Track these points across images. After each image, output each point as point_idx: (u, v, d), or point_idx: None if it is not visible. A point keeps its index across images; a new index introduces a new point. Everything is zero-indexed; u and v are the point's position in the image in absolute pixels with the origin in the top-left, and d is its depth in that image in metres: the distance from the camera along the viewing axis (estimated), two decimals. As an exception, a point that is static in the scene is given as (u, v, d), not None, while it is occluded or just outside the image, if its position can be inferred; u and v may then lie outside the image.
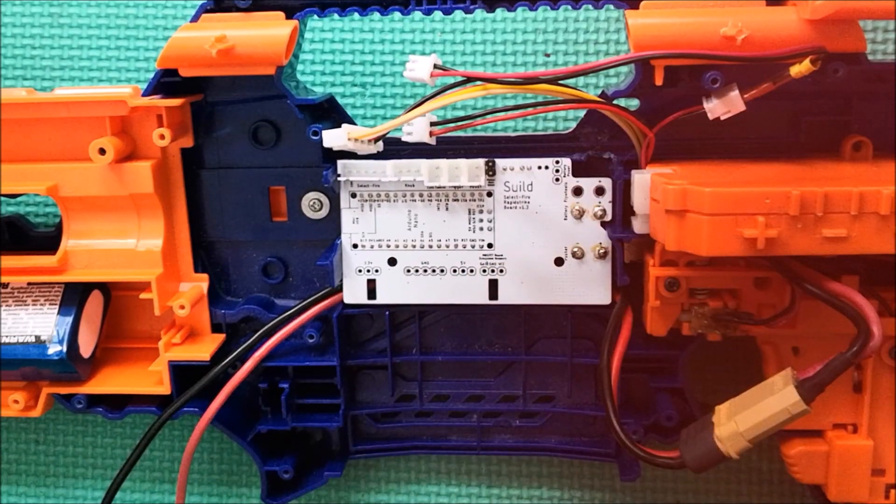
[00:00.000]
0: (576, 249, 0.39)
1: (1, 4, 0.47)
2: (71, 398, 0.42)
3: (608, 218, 0.39)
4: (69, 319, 0.41)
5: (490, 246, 0.40)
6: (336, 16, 0.38)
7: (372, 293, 0.41)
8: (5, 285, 0.42)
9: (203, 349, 0.41)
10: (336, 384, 0.42)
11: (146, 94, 0.39)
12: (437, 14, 0.43)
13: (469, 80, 0.35)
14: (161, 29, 0.46)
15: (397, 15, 0.39)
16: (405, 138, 0.36)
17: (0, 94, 0.39)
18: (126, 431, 0.49)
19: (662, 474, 0.46)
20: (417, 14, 0.41)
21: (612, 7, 0.36)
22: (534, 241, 0.39)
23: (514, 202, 0.39)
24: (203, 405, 0.40)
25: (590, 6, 0.36)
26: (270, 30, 0.37)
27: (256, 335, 0.40)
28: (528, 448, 0.44)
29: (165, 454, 0.49)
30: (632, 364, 0.39)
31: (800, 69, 0.33)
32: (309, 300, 0.41)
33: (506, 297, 0.40)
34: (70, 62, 0.47)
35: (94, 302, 0.42)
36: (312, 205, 0.41)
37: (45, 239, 0.44)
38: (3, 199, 0.46)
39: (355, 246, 0.40)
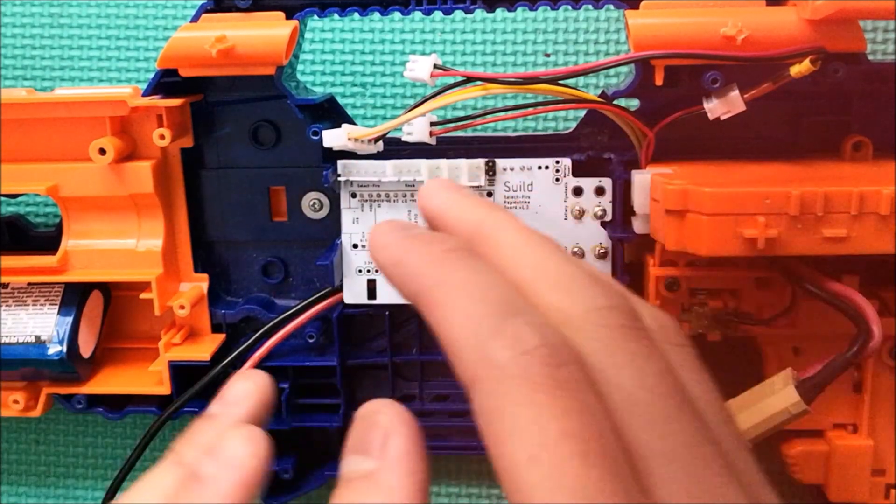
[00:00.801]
0: (576, 249, 0.39)
1: (1, 4, 0.47)
2: (71, 398, 0.42)
3: (608, 218, 0.39)
4: (69, 319, 0.41)
5: (490, 246, 0.40)
6: (336, 16, 0.38)
7: (372, 293, 0.41)
8: (5, 285, 0.42)
9: (203, 349, 0.41)
10: (336, 384, 0.42)
11: (146, 94, 0.39)
12: (437, 14, 0.43)
13: (469, 80, 0.35)
14: (161, 29, 0.46)
15: (397, 15, 0.39)
16: (405, 138, 0.36)
17: (0, 94, 0.39)
18: (126, 431, 0.49)
19: (662, 474, 0.46)
20: (417, 14, 0.41)
21: (612, 7, 0.36)
22: (534, 241, 0.39)
23: (514, 202, 0.39)
24: (203, 405, 0.40)
25: (590, 6, 0.36)
26: (270, 30, 0.37)
27: (256, 335, 0.40)
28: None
29: (165, 454, 0.49)
30: (632, 364, 0.39)
31: (800, 69, 0.33)
32: (309, 300, 0.41)
33: (506, 297, 0.40)
34: (70, 62, 0.47)
35: (94, 302, 0.42)
36: (312, 205, 0.41)
37: (45, 239, 0.44)
38: (3, 199, 0.46)
39: (355, 246, 0.40)
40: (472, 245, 0.23)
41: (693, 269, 0.37)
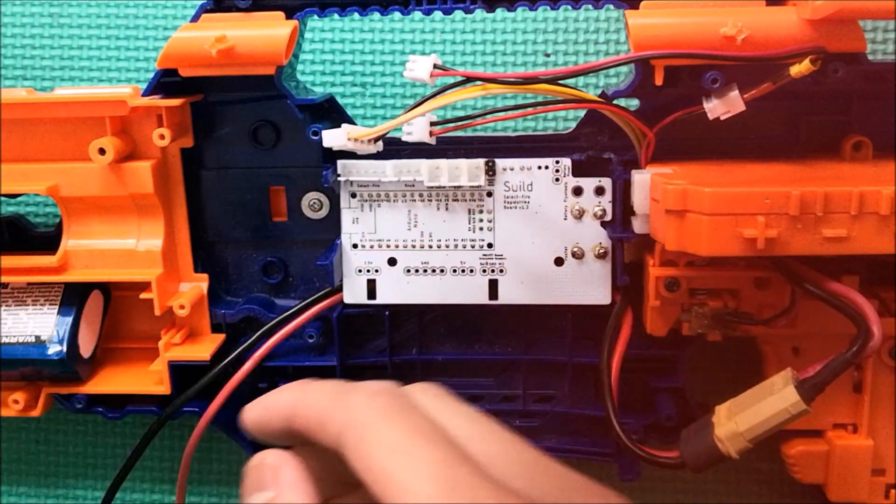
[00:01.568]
0: (576, 249, 0.39)
1: (1, 4, 0.47)
2: (71, 398, 0.42)
3: (608, 218, 0.39)
4: (69, 319, 0.41)
5: (490, 246, 0.40)
6: (336, 16, 0.38)
7: (372, 293, 0.41)
8: (5, 285, 0.42)
9: (203, 349, 0.41)
10: (336, 384, 0.42)
11: (146, 94, 0.39)
12: (437, 14, 0.43)
13: (469, 80, 0.35)
14: (161, 29, 0.46)
15: (397, 15, 0.39)
16: (405, 138, 0.36)
17: (0, 94, 0.39)
18: (126, 431, 0.49)
19: (662, 474, 0.46)
20: (417, 14, 0.41)
21: (612, 7, 0.36)
22: (534, 241, 0.39)
23: (514, 202, 0.39)
24: (203, 405, 0.40)
25: (590, 6, 0.36)
26: (270, 30, 0.37)
27: (256, 335, 0.40)
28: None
29: (165, 454, 0.49)
30: (632, 364, 0.39)
31: (800, 69, 0.33)
32: (309, 300, 0.41)
33: (506, 297, 0.40)
34: (70, 62, 0.47)
35: (94, 302, 0.42)
36: (312, 205, 0.41)
37: (45, 239, 0.44)
38: (3, 199, 0.46)
39: (355, 246, 0.40)
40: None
41: (693, 269, 0.37)
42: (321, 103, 0.41)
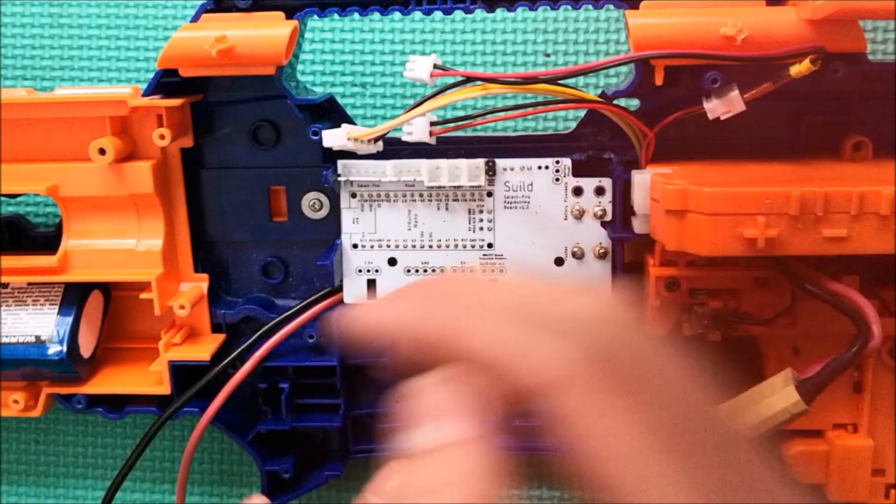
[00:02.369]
0: (576, 249, 0.39)
1: (1, 4, 0.47)
2: (71, 398, 0.42)
3: (608, 218, 0.39)
4: (69, 319, 0.41)
5: (490, 246, 0.40)
6: (336, 16, 0.38)
7: (372, 293, 0.41)
8: (5, 285, 0.42)
9: (203, 349, 0.41)
10: (336, 384, 0.42)
11: (146, 94, 0.39)
12: (437, 14, 0.43)
13: (469, 79, 0.35)
14: (161, 29, 0.46)
15: (397, 15, 0.39)
16: (405, 138, 0.36)
17: (0, 94, 0.39)
18: (126, 431, 0.49)
19: (662, 474, 0.46)
20: (417, 14, 0.41)
21: (612, 7, 0.36)
22: (534, 241, 0.39)
23: (515, 202, 0.39)
24: (203, 405, 0.40)
25: (590, 6, 0.36)
26: (270, 30, 0.37)
27: (256, 335, 0.40)
28: (528, 448, 0.44)
29: (165, 454, 0.49)
30: (632, 364, 0.39)
31: (800, 69, 0.33)
32: (309, 300, 0.41)
33: (506, 297, 0.40)
34: (70, 62, 0.47)
35: (94, 302, 0.42)
36: (312, 205, 0.41)
37: (45, 239, 0.44)
38: (3, 199, 0.46)
39: (355, 246, 0.40)
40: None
41: (693, 269, 0.37)
42: (321, 103, 0.41)
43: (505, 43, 0.45)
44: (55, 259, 0.40)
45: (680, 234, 0.32)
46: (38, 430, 0.49)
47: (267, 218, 0.42)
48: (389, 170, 0.39)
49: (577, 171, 0.39)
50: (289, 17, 0.38)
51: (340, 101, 0.43)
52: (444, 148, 0.39)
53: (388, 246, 0.40)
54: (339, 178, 0.40)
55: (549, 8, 0.37)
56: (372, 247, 0.40)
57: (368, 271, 0.40)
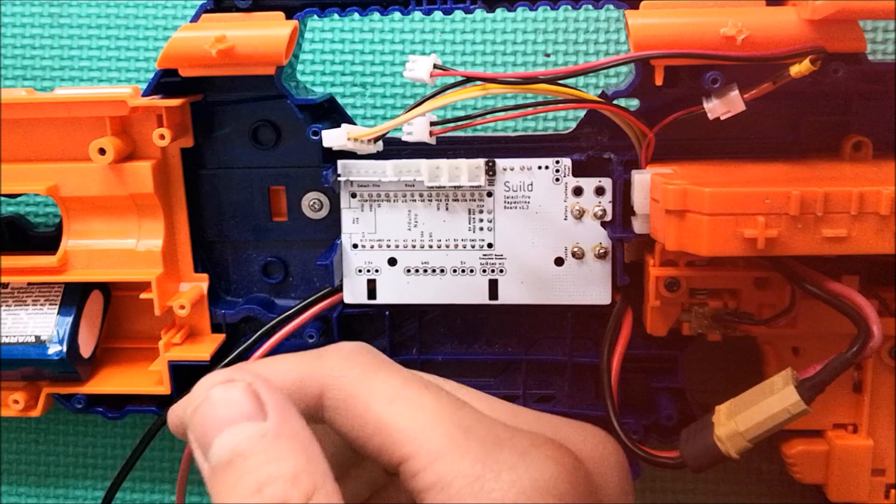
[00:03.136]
0: (576, 249, 0.39)
1: (1, 4, 0.47)
2: (71, 398, 0.42)
3: (608, 218, 0.39)
4: (69, 319, 0.41)
5: (490, 246, 0.40)
6: (336, 16, 0.38)
7: (372, 293, 0.41)
8: (5, 285, 0.42)
9: (203, 349, 0.41)
10: (336, 384, 0.42)
11: (146, 94, 0.39)
12: (437, 14, 0.43)
13: (469, 80, 0.35)
14: (161, 29, 0.46)
15: (397, 15, 0.39)
16: (405, 138, 0.36)
17: (0, 94, 0.39)
18: (126, 431, 0.49)
19: (662, 474, 0.46)
20: (417, 14, 0.41)
21: (612, 7, 0.36)
22: (534, 241, 0.39)
23: (515, 202, 0.39)
24: (203, 405, 0.40)
25: (590, 6, 0.36)
26: (270, 30, 0.37)
27: (256, 335, 0.40)
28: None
29: (165, 454, 0.49)
30: (632, 364, 0.39)
31: (800, 69, 0.33)
32: (309, 300, 0.41)
33: (506, 297, 0.40)
34: (70, 62, 0.47)
35: (94, 302, 0.42)
36: (312, 205, 0.41)
37: (45, 239, 0.44)
38: (3, 199, 0.46)
39: (355, 246, 0.40)
40: None
41: (693, 269, 0.37)
42: (321, 103, 0.41)
43: (505, 43, 0.45)
44: (55, 259, 0.40)
45: (680, 234, 0.32)
46: (38, 430, 0.50)
47: (267, 218, 0.42)
48: (389, 170, 0.39)
49: (577, 171, 0.39)
50: (289, 17, 0.38)
51: (340, 101, 0.43)
52: (444, 148, 0.39)
53: (388, 246, 0.40)
54: (339, 178, 0.40)
55: (549, 8, 0.37)
56: (372, 247, 0.40)
57: (368, 271, 0.40)
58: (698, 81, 0.35)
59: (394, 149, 0.39)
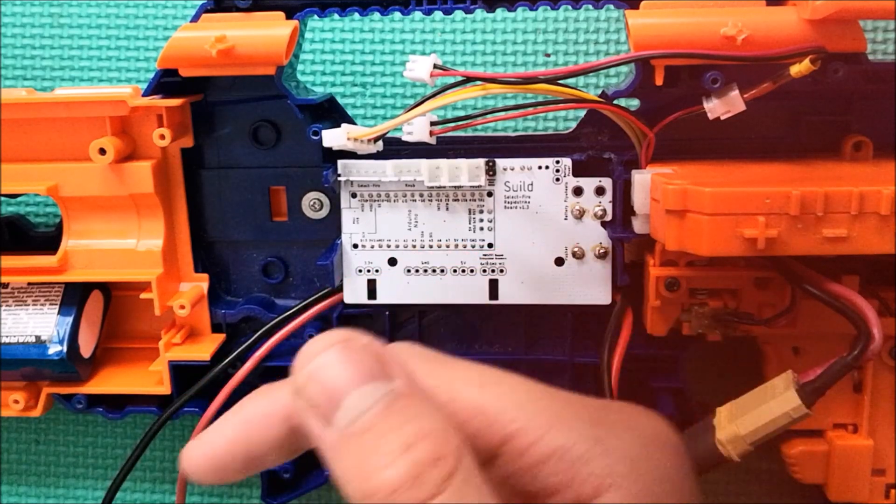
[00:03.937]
0: (576, 249, 0.39)
1: (1, 4, 0.47)
2: (71, 398, 0.42)
3: (608, 218, 0.39)
4: (69, 319, 0.41)
5: (490, 246, 0.40)
6: (336, 16, 0.38)
7: (372, 293, 0.41)
8: (5, 285, 0.42)
9: (203, 349, 0.41)
10: (336, 384, 0.42)
11: (146, 94, 0.39)
12: (437, 14, 0.43)
13: (469, 80, 0.35)
14: (161, 29, 0.46)
15: (397, 15, 0.39)
16: (405, 138, 0.36)
17: (0, 94, 0.39)
18: (126, 431, 0.49)
19: (662, 474, 0.46)
20: (417, 14, 0.41)
21: (612, 7, 0.36)
22: (534, 241, 0.39)
23: (515, 202, 0.39)
24: (203, 405, 0.40)
25: (590, 6, 0.36)
26: (270, 30, 0.37)
27: (256, 335, 0.40)
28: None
29: (165, 454, 0.49)
30: (632, 364, 0.39)
31: (800, 69, 0.33)
32: (309, 300, 0.41)
33: (506, 297, 0.40)
34: (70, 62, 0.47)
35: (94, 302, 0.42)
36: (312, 205, 0.41)
37: (45, 239, 0.44)
38: (3, 199, 0.46)
39: (355, 246, 0.40)
40: None
41: (693, 269, 0.37)
42: (321, 103, 0.41)
43: (505, 43, 0.45)
44: (55, 259, 0.40)
45: (680, 234, 0.32)
46: (38, 430, 0.50)
47: (267, 218, 0.42)
48: (389, 170, 0.39)
49: (577, 171, 0.39)
50: (289, 17, 0.38)
51: (340, 101, 0.43)
52: (444, 148, 0.39)
53: (389, 246, 0.40)
54: (339, 178, 0.40)
55: (549, 8, 0.37)
56: (372, 247, 0.40)
57: (368, 271, 0.40)
58: (698, 81, 0.35)
59: (394, 149, 0.39)
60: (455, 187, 0.39)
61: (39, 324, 0.41)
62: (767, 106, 0.36)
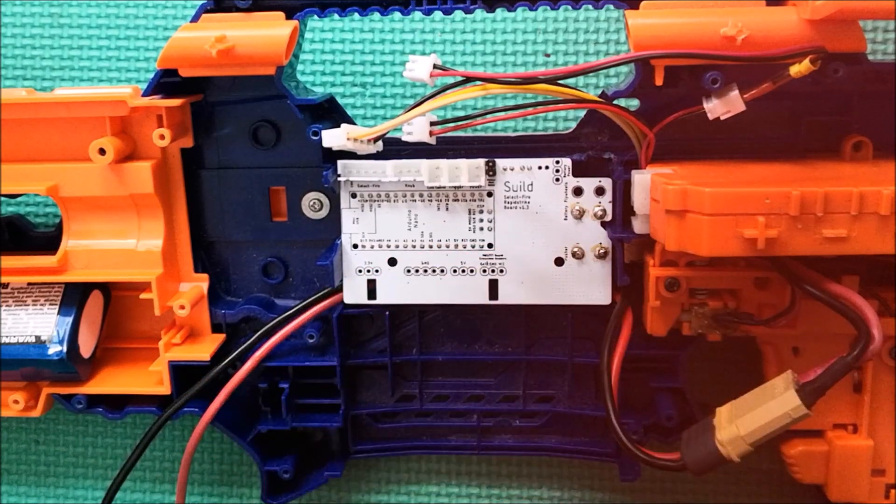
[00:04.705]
0: (576, 249, 0.39)
1: (1, 4, 0.47)
2: (71, 398, 0.42)
3: (608, 218, 0.39)
4: (69, 319, 0.41)
5: (490, 246, 0.40)
6: (336, 16, 0.38)
7: (372, 293, 0.41)
8: (5, 285, 0.42)
9: (203, 349, 0.41)
10: (336, 384, 0.42)
11: (146, 94, 0.39)
12: (437, 14, 0.43)
13: (469, 80, 0.35)
14: (161, 29, 0.46)
15: (397, 15, 0.39)
16: (405, 138, 0.36)
17: (0, 94, 0.39)
18: (126, 431, 0.49)
19: (662, 475, 0.46)
20: (417, 14, 0.41)
21: (612, 7, 0.36)
22: (534, 241, 0.39)
23: (515, 202, 0.39)
24: (203, 405, 0.40)
25: (590, 6, 0.36)
26: (270, 30, 0.37)
27: (256, 335, 0.40)
28: (528, 448, 0.44)
29: (165, 454, 0.49)
30: (632, 364, 0.39)
31: (800, 69, 0.33)
32: (309, 300, 0.41)
33: (506, 297, 0.40)
34: (70, 62, 0.47)
35: (94, 302, 0.42)
36: (312, 205, 0.41)
37: (45, 239, 0.44)
38: (3, 199, 0.46)
39: (355, 246, 0.40)
40: None
41: (693, 269, 0.37)
42: (321, 103, 0.41)
43: (505, 43, 0.45)
44: (55, 259, 0.40)
45: (680, 234, 0.32)
46: (38, 430, 0.50)
47: (267, 218, 0.42)
48: (389, 170, 0.39)
49: (577, 171, 0.39)
50: (289, 17, 0.38)
51: (340, 101, 0.43)
52: (444, 148, 0.39)
53: (389, 246, 0.40)
54: (339, 178, 0.40)
55: (549, 8, 0.37)
56: (372, 247, 0.40)
57: (368, 271, 0.40)
58: (698, 81, 0.35)
59: (394, 149, 0.39)
60: (455, 187, 0.39)
61: (39, 324, 0.41)
62: (767, 106, 0.36)
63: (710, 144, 0.39)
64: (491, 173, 0.39)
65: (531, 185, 0.39)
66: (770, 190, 0.31)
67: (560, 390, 0.42)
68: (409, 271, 0.40)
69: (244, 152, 0.41)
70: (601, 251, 0.39)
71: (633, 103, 0.38)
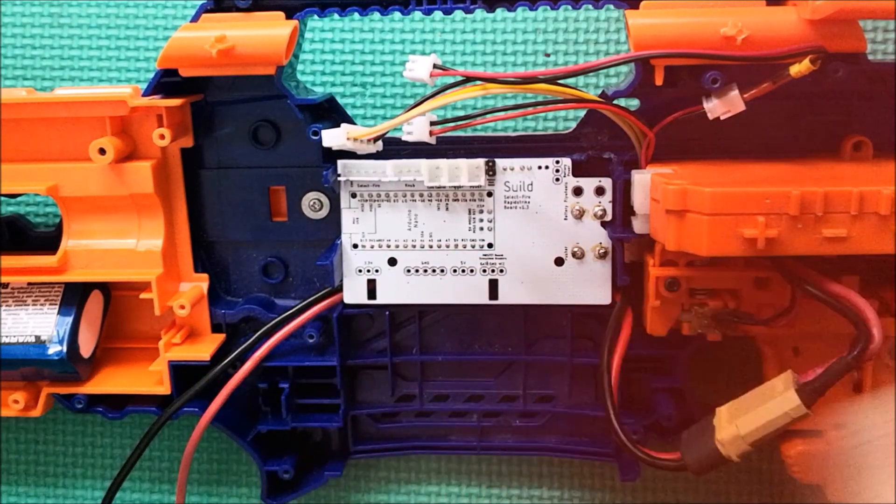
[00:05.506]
0: (576, 249, 0.39)
1: (1, 4, 0.47)
2: (71, 398, 0.42)
3: (608, 218, 0.39)
4: (69, 319, 0.41)
5: (490, 246, 0.40)
6: (336, 16, 0.38)
7: (372, 293, 0.41)
8: (5, 285, 0.42)
9: (203, 349, 0.41)
10: (336, 384, 0.42)
11: (146, 94, 0.39)
12: (437, 14, 0.43)
13: (469, 79, 0.35)
14: (161, 29, 0.46)
15: (397, 15, 0.39)
16: (405, 138, 0.36)
17: (0, 94, 0.39)
18: (126, 431, 0.49)
19: (662, 474, 0.46)
20: (417, 14, 0.41)
21: (612, 7, 0.36)
22: (534, 241, 0.39)
23: (515, 202, 0.39)
24: (203, 405, 0.40)
25: (590, 6, 0.36)
26: (270, 30, 0.37)
27: (256, 335, 0.40)
28: (528, 448, 0.44)
29: (165, 454, 0.49)
30: (632, 364, 0.39)
31: (800, 69, 0.33)
32: (309, 300, 0.41)
33: (506, 297, 0.40)
34: (70, 62, 0.47)
35: (94, 302, 0.42)
36: (312, 205, 0.41)
37: (45, 239, 0.44)
38: (3, 199, 0.46)
39: (355, 246, 0.40)
40: None
41: (693, 269, 0.37)
42: (321, 103, 0.41)
43: (505, 43, 0.45)
44: (55, 259, 0.40)
45: (680, 234, 0.32)
46: (38, 430, 0.50)
47: (267, 218, 0.42)
48: (389, 170, 0.39)
49: (577, 171, 0.39)
50: (289, 17, 0.38)
51: (340, 101, 0.43)
52: (444, 148, 0.39)
53: (388, 246, 0.40)
54: (339, 178, 0.40)
55: (549, 8, 0.37)
56: (372, 247, 0.40)
57: (368, 271, 0.40)
58: (698, 81, 0.35)
59: (394, 149, 0.39)
60: (455, 187, 0.39)
61: (39, 324, 0.41)
62: (767, 106, 0.36)
63: (710, 144, 0.39)
64: (491, 173, 0.39)
65: (531, 184, 0.39)
66: (770, 190, 0.31)
67: (560, 390, 0.42)
68: (409, 271, 0.40)
69: (244, 152, 0.41)
70: (601, 251, 0.39)
71: (633, 103, 0.38)
